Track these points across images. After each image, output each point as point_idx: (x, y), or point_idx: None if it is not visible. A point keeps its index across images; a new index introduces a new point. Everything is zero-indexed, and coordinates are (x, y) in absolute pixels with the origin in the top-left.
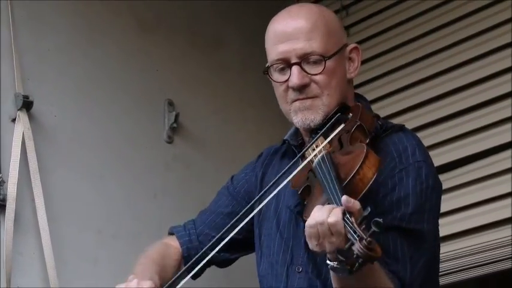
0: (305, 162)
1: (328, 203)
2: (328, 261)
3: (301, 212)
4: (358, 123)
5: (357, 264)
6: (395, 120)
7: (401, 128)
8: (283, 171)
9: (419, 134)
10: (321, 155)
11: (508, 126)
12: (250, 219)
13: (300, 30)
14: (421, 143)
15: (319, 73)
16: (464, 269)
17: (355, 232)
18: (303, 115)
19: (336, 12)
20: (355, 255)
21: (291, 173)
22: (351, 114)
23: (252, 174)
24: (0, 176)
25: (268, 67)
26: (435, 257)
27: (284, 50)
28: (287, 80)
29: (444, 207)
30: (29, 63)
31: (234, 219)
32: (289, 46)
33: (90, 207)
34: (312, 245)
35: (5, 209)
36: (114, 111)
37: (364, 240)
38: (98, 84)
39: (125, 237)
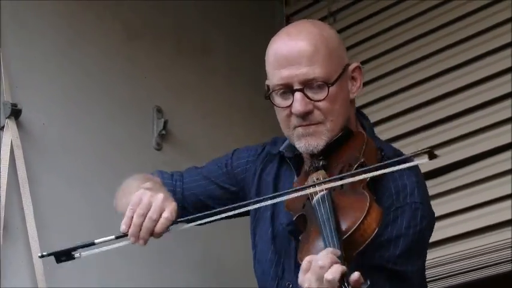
0: (303, 192)
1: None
2: None
3: (292, 231)
4: (362, 161)
5: None
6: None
7: (408, 160)
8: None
9: (417, 137)
10: (321, 193)
11: (508, 127)
12: (235, 197)
13: (302, 54)
14: (422, 181)
15: (323, 99)
16: (464, 272)
17: None
18: (306, 141)
19: (323, 18)
20: None
21: (288, 189)
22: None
23: (252, 165)
24: None
25: (270, 91)
26: None
27: (286, 76)
28: (289, 106)
29: (444, 210)
30: (17, 71)
31: (229, 207)
32: (291, 71)
33: (79, 215)
34: (303, 278)
35: None
36: (102, 118)
37: None
38: (86, 92)
39: None
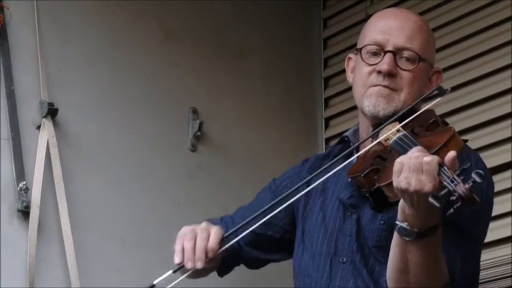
0: (380, 138)
1: None
2: (397, 222)
3: (353, 204)
4: (434, 119)
5: (452, 210)
6: None
7: (464, 141)
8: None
9: None
10: (398, 134)
11: (508, 146)
12: (290, 218)
13: (406, 27)
14: (480, 158)
15: (409, 70)
16: None
17: (453, 180)
18: (377, 100)
19: (361, 21)
20: (455, 197)
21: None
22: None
23: (296, 177)
24: (25, 183)
25: (362, 47)
26: (478, 269)
27: (384, 37)
28: (375, 64)
29: None
30: (55, 70)
31: (276, 200)
32: (390, 35)
33: (113, 215)
34: (399, 179)
35: (29, 216)
36: (138, 119)
37: (466, 184)
38: (122, 92)
39: (148, 246)
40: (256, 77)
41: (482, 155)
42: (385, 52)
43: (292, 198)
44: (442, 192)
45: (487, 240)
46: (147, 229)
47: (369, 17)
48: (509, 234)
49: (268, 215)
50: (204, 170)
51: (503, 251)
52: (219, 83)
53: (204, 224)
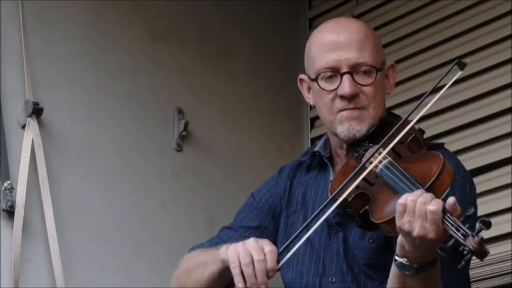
0: (368, 168)
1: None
2: (396, 257)
3: (339, 223)
4: (413, 135)
5: (463, 262)
6: None
7: (441, 146)
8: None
9: None
10: (385, 161)
11: (508, 141)
12: (273, 232)
13: (352, 40)
14: (460, 161)
15: (369, 84)
16: None
17: (458, 229)
18: (349, 125)
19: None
20: (465, 251)
21: (326, 184)
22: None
23: (275, 189)
24: (9, 182)
25: (316, 76)
26: (469, 279)
27: (335, 59)
28: (335, 89)
29: None
30: (40, 70)
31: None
32: (340, 55)
33: (98, 214)
34: (402, 221)
35: (13, 216)
36: (123, 118)
37: (475, 237)
38: (108, 92)
39: (133, 246)
40: (241, 77)
41: (482, 150)
42: (341, 74)
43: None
44: (450, 243)
45: (487, 236)
46: (132, 229)
47: (354, 17)
48: (510, 230)
49: (310, 224)
50: (190, 170)
51: (503, 247)
52: (205, 83)
53: (253, 242)
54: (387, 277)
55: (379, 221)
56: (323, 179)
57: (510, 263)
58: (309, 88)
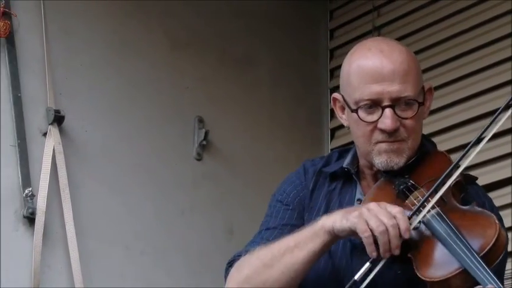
0: (420, 216)
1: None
2: None
3: (364, 248)
4: (459, 179)
5: None
6: None
7: (474, 180)
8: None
9: None
10: (433, 211)
11: (508, 161)
12: None
13: (396, 72)
14: (492, 201)
15: (411, 117)
16: None
17: None
18: (388, 157)
19: (368, 33)
20: None
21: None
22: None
23: (301, 188)
24: (30, 189)
25: (356, 107)
26: None
27: (378, 91)
28: (375, 121)
29: None
30: (61, 78)
31: None
32: (384, 87)
33: (118, 222)
34: None
35: (34, 223)
36: (144, 127)
37: None
38: (128, 100)
39: (152, 253)
40: (262, 87)
41: (483, 170)
42: (383, 108)
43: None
44: None
45: None
46: (151, 237)
47: (375, 28)
48: (510, 249)
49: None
50: (209, 179)
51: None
52: (225, 92)
53: (377, 207)
54: None
55: (431, 280)
56: (348, 193)
57: (510, 282)
58: (343, 108)
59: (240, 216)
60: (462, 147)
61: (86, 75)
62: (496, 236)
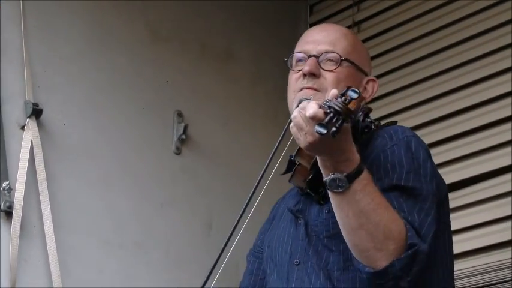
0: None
1: None
2: (324, 178)
3: (300, 210)
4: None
5: (334, 128)
6: None
7: (394, 123)
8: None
9: None
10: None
11: (508, 149)
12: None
13: (329, 35)
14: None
15: (332, 70)
16: None
17: (328, 102)
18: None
19: (348, 28)
20: (333, 115)
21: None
22: None
23: (266, 223)
24: (8, 183)
25: (289, 57)
26: (450, 238)
27: (309, 46)
28: (301, 69)
29: None
30: (40, 71)
31: None
32: (313, 44)
33: (96, 216)
34: (299, 140)
35: (11, 216)
36: (123, 121)
37: (339, 98)
38: (108, 94)
39: (131, 248)
40: (242, 81)
41: (482, 157)
42: (308, 57)
43: None
44: (326, 119)
45: (486, 243)
46: (130, 231)
47: (355, 23)
48: (510, 238)
49: None
50: (188, 173)
51: (504, 255)
52: (205, 86)
53: None
54: (347, 248)
55: (296, 156)
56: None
57: (510, 271)
58: None
59: (219, 210)
60: (466, 156)
61: (64, 68)
62: None
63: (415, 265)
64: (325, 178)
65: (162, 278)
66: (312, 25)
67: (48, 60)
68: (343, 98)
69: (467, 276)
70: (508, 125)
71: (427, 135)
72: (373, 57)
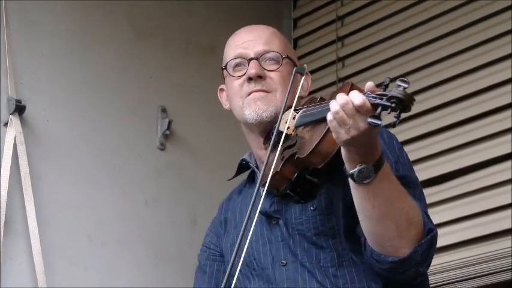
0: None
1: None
2: (350, 171)
3: (276, 210)
4: (320, 97)
5: (397, 119)
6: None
7: None
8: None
9: (416, 145)
10: (298, 114)
11: (508, 137)
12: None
13: (261, 36)
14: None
15: (275, 70)
16: (463, 280)
17: (382, 96)
18: (256, 106)
19: (331, 22)
20: (394, 103)
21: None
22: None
23: (217, 226)
24: None
25: (226, 65)
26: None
27: (244, 50)
28: (243, 75)
29: (444, 217)
30: (23, 67)
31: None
32: (248, 47)
33: (80, 213)
34: (340, 134)
35: None
36: (107, 117)
37: (398, 89)
38: (91, 90)
39: (115, 244)
40: None
41: (482, 145)
42: (249, 60)
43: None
44: (378, 110)
45: (486, 232)
46: (114, 227)
47: (339, 18)
48: (510, 226)
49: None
50: (173, 169)
51: (504, 243)
52: (189, 82)
53: None
54: (337, 242)
55: (306, 153)
56: (253, 187)
57: (510, 260)
58: (227, 95)
59: (203, 206)
60: (465, 145)
61: (47, 64)
62: (350, 86)
63: (432, 249)
64: (352, 171)
65: (146, 273)
66: (295, 20)
67: (31, 56)
68: (401, 87)
69: (466, 266)
70: (508, 112)
71: (425, 124)
72: (356, 52)
